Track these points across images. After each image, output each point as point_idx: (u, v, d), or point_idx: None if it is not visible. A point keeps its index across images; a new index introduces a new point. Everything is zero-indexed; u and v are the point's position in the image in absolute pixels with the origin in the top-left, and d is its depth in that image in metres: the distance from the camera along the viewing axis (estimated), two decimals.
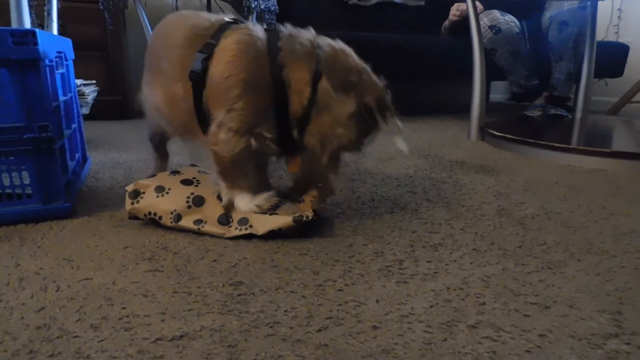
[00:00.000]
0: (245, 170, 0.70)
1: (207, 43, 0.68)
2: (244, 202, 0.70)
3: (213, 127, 0.67)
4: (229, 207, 0.71)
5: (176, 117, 0.74)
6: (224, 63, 0.66)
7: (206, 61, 0.67)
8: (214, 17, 0.73)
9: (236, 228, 0.68)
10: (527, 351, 0.42)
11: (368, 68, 0.71)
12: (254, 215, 0.69)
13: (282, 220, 0.67)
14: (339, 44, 0.71)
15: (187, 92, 0.69)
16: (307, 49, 0.68)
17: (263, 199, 0.70)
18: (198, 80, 0.67)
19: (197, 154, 1.04)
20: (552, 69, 1.98)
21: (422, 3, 2.47)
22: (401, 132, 0.73)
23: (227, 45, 0.67)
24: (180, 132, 0.78)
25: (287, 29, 0.71)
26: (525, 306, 0.50)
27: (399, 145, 0.72)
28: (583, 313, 0.48)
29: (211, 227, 0.68)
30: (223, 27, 0.69)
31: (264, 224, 0.67)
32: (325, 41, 0.70)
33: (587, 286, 0.54)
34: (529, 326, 0.46)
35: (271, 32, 0.70)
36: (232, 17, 0.74)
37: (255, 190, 0.71)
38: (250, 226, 0.67)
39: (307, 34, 0.70)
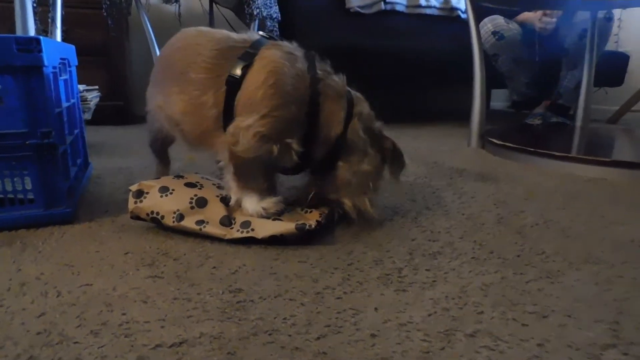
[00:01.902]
0: (258, 174, 0.72)
1: (246, 52, 0.71)
2: (252, 204, 0.71)
3: (234, 129, 0.68)
4: (236, 207, 0.72)
5: (196, 126, 0.75)
6: (267, 71, 0.69)
7: (246, 68, 0.69)
8: (242, 34, 0.77)
9: (238, 230, 0.68)
10: None
11: None
12: (256, 219, 0.69)
13: (284, 226, 0.67)
14: (356, 92, 0.78)
15: (217, 100, 0.71)
16: (341, 88, 0.74)
17: (271, 202, 0.71)
18: (235, 85, 0.69)
19: (202, 163, 1.06)
20: (562, 76, 1.97)
21: (424, 11, 2.49)
22: (405, 169, 0.81)
23: (271, 55, 0.70)
24: (197, 141, 0.78)
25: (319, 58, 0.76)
26: (523, 315, 0.50)
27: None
28: (581, 323, 0.49)
29: (212, 229, 0.69)
30: (261, 40, 0.73)
31: (265, 228, 0.68)
32: (345, 84, 0.76)
33: (585, 296, 0.54)
34: (527, 335, 0.46)
35: (309, 54, 0.75)
36: (263, 34, 0.78)
37: (265, 195, 0.72)
38: (252, 229, 0.68)
39: (338, 76, 0.76)
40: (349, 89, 0.76)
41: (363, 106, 0.76)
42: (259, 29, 1.91)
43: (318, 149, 0.73)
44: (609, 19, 1.81)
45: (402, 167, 0.79)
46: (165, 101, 0.78)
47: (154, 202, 0.71)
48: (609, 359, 0.42)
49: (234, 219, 0.70)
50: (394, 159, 0.78)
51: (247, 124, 0.67)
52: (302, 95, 0.70)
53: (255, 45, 0.72)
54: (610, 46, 2.18)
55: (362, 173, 0.74)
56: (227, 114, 0.71)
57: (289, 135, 0.69)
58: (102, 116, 1.78)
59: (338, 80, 0.75)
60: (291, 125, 0.70)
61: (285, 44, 0.74)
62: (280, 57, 0.70)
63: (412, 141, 1.67)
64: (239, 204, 0.72)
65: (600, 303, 0.53)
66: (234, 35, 0.76)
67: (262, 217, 0.70)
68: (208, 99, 0.71)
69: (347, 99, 0.74)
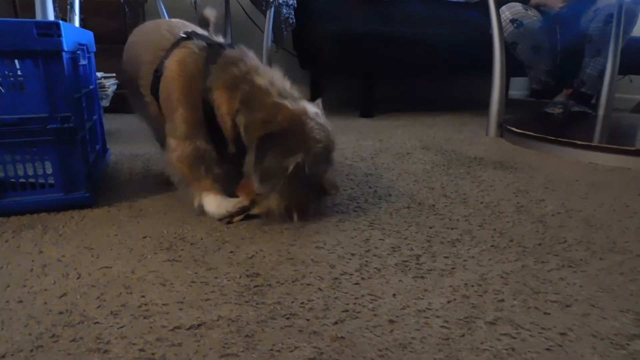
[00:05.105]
0: (206, 170, 0.73)
1: (161, 61, 0.74)
2: (214, 207, 0.72)
3: (166, 138, 0.74)
4: (201, 210, 0.73)
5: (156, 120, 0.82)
6: (165, 83, 0.73)
7: (158, 79, 0.74)
8: (173, 32, 0.78)
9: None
10: (547, 349, 0.41)
11: (287, 100, 0.68)
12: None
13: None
14: (265, 78, 0.69)
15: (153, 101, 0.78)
16: (232, 79, 0.69)
17: (233, 204, 0.72)
18: (157, 95, 0.75)
19: None
20: (584, 64, 1.90)
21: None
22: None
23: (170, 65, 0.73)
24: None
25: (233, 50, 0.73)
26: (545, 304, 0.49)
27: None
28: (605, 312, 0.47)
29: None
30: (175, 44, 0.75)
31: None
32: (255, 76, 0.69)
33: (609, 285, 0.53)
34: (549, 324, 0.45)
35: (212, 50, 0.73)
36: (188, 30, 0.77)
37: (226, 191, 0.73)
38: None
39: (246, 63, 0.71)
40: (255, 74, 0.69)
41: (255, 96, 0.68)
42: (274, 16, 1.90)
43: (229, 144, 0.72)
44: (637, 2, 1.74)
45: (261, 170, 0.65)
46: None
47: None
48: (635, 350, 0.41)
49: None
50: (283, 151, 0.66)
51: (166, 131, 0.74)
52: (194, 95, 0.71)
53: (167, 54, 0.74)
54: (636, 31, 2.10)
55: (249, 170, 0.68)
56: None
57: (197, 134, 0.71)
58: (118, 104, 1.79)
59: (239, 68, 0.70)
60: (193, 125, 0.71)
61: (191, 43, 0.74)
62: (176, 63, 0.72)
63: (428, 129, 1.65)
64: (201, 208, 0.73)
65: (626, 293, 0.51)
66: (163, 37, 0.78)
67: (224, 218, 0.71)
68: (154, 108, 0.78)
69: (240, 90, 0.68)
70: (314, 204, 0.74)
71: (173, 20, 0.86)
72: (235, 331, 0.43)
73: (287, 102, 0.68)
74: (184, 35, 0.76)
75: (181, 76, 0.71)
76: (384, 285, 0.52)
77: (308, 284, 0.52)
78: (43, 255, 0.59)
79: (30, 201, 0.73)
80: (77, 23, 1.26)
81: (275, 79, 0.70)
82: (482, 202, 0.82)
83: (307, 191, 0.71)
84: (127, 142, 1.32)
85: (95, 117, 0.98)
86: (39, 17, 1.00)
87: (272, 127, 0.65)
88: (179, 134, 0.72)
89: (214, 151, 0.73)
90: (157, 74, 0.74)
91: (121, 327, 0.44)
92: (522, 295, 0.51)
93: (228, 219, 0.71)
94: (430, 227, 0.70)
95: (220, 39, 0.78)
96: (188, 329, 0.44)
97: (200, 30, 0.81)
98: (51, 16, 1.02)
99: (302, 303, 0.48)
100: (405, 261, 0.59)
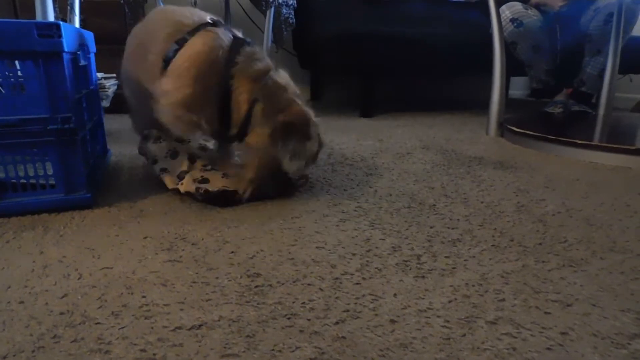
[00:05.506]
0: (197, 119, 0.78)
1: (182, 37, 0.78)
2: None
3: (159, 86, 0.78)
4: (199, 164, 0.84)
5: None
6: (186, 55, 0.77)
7: (177, 52, 0.77)
8: (196, 16, 0.82)
9: (194, 181, 0.80)
10: (548, 349, 0.41)
11: (299, 100, 0.81)
12: (212, 175, 0.82)
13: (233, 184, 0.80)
14: (283, 79, 0.81)
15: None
16: (257, 73, 0.78)
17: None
18: (169, 63, 0.78)
19: None
20: (584, 63, 1.90)
21: None
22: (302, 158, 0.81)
23: (194, 43, 0.77)
24: None
25: (253, 47, 0.81)
26: (545, 303, 0.49)
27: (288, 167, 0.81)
28: (606, 312, 0.47)
29: (168, 179, 0.83)
30: (200, 26, 0.79)
31: (218, 183, 0.80)
32: (275, 75, 0.80)
33: (610, 285, 0.53)
34: (549, 324, 0.45)
35: (237, 42, 0.80)
36: (213, 18, 0.83)
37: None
38: (207, 181, 0.80)
39: (266, 62, 0.81)
40: (273, 75, 0.80)
41: (275, 91, 0.78)
42: (274, 16, 1.90)
43: (232, 124, 0.80)
44: (637, 1, 1.74)
45: (292, 151, 0.79)
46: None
47: (155, 146, 0.89)
48: (636, 349, 0.41)
49: (189, 174, 0.82)
50: (285, 137, 0.77)
51: (164, 89, 0.77)
52: (213, 79, 0.76)
53: (193, 31, 0.78)
54: (636, 31, 2.10)
55: (253, 149, 0.79)
56: None
57: (199, 110, 0.77)
58: (119, 104, 1.80)
59: (260, 64, 0.79)
60: (199, 103, 0.76)
61: (219, 30, 0.79)
62: (202, 44, 0.77)
63: (428, 129, 1.65)
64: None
65: (626, 292, 0.51)
66: (187, 19, 0.81)
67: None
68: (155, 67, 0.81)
69: (260, 83, 0.78)
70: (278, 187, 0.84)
71: (181, 7, 0.90)
72: (236, 331, 0.43)
73: (298, 101, 0.80)
74: (210, 21, 0.81)
75: (206, 57, 0.76)
76: (384, 285, 0.52)
77: (309, 284, 0.52)
78: (44, 255, 0.59)
79: (31, 202, 0.73)
80: (77, 23, 1.26)
81: (289, 82, 0.82)
82: (482, 202, 0.82)
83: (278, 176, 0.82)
84: (128, 142, 1.31)
85: (95, 117, 0.98)
86: (39, 17, 1.00)
87: (289, 117, 0.77)
88: (175, 100, 0.76)
89: (209, 132, 0.81)
90: (177, 46, 0.77)
91: (122, 327, 0.44)
92: (522, 294, 0.51)
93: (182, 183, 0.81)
94: (431, 227, 0.70)
95: (240, 34, 0.84)
96: (189, 329, 0.44)
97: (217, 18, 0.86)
98: (51, 17, 1.02)
99: (303, 303, 0.48)
100: (406, 261, 0.59)
